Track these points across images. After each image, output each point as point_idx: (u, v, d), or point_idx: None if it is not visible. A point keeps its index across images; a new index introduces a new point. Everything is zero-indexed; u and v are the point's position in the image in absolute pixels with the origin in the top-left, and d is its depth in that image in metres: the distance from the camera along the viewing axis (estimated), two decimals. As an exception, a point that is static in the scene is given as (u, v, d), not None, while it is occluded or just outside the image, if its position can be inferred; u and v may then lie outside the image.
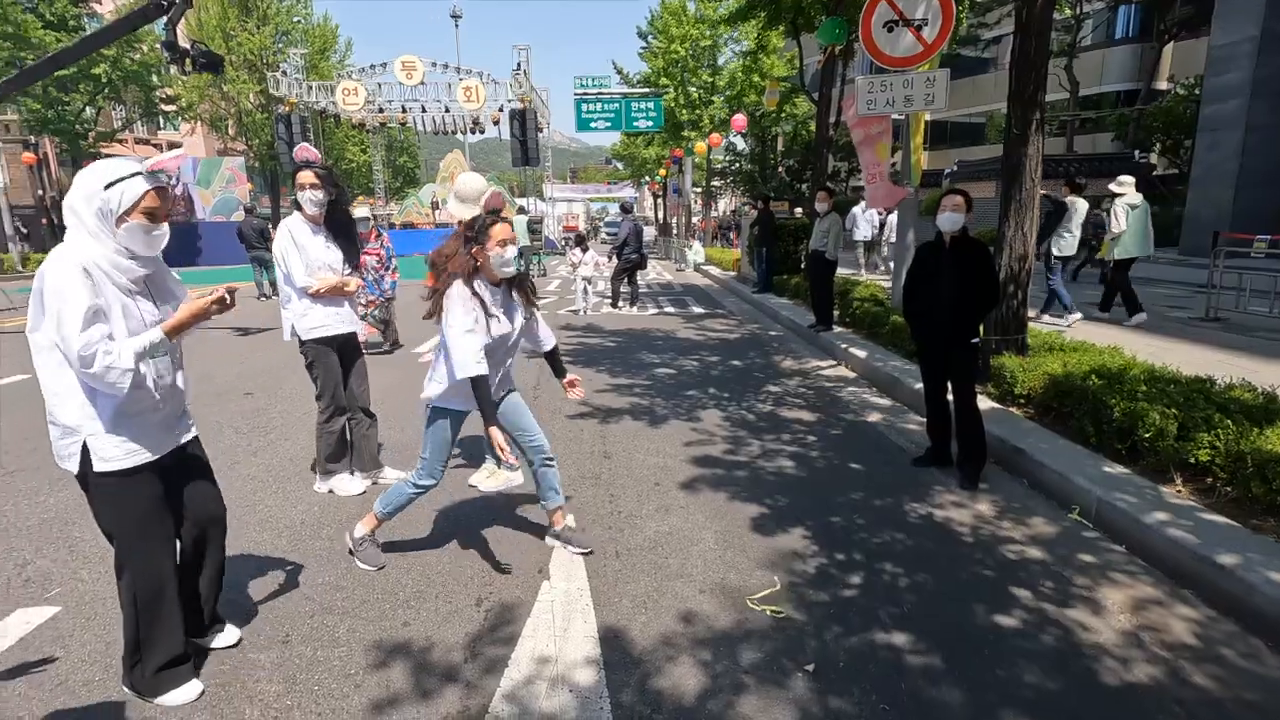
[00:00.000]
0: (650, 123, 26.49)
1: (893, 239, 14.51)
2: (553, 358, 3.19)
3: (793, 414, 5.44)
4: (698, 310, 12.06)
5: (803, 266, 12.23)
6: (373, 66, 28.09)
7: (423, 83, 27.10)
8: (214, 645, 2.43)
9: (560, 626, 2.59)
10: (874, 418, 5.34)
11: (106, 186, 1.95)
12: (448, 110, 27.79)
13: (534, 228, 20.37)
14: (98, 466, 2.03)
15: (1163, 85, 27.99)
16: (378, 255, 7.56)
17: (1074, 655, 2.44)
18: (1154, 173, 25.49)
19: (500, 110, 26.56)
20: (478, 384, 2.68)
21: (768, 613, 2.67)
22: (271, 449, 4.59)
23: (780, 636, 2.54)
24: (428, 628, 2.58)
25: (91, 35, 8.73)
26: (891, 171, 8.80)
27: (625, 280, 12.21)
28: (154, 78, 27.55)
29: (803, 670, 2.35)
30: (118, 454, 2.04)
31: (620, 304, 12.09)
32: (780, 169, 29.40)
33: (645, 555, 3.15)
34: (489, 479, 3.90)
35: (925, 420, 4.41)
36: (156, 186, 2.01)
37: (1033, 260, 5.41)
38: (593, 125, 26.70)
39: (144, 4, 5.92)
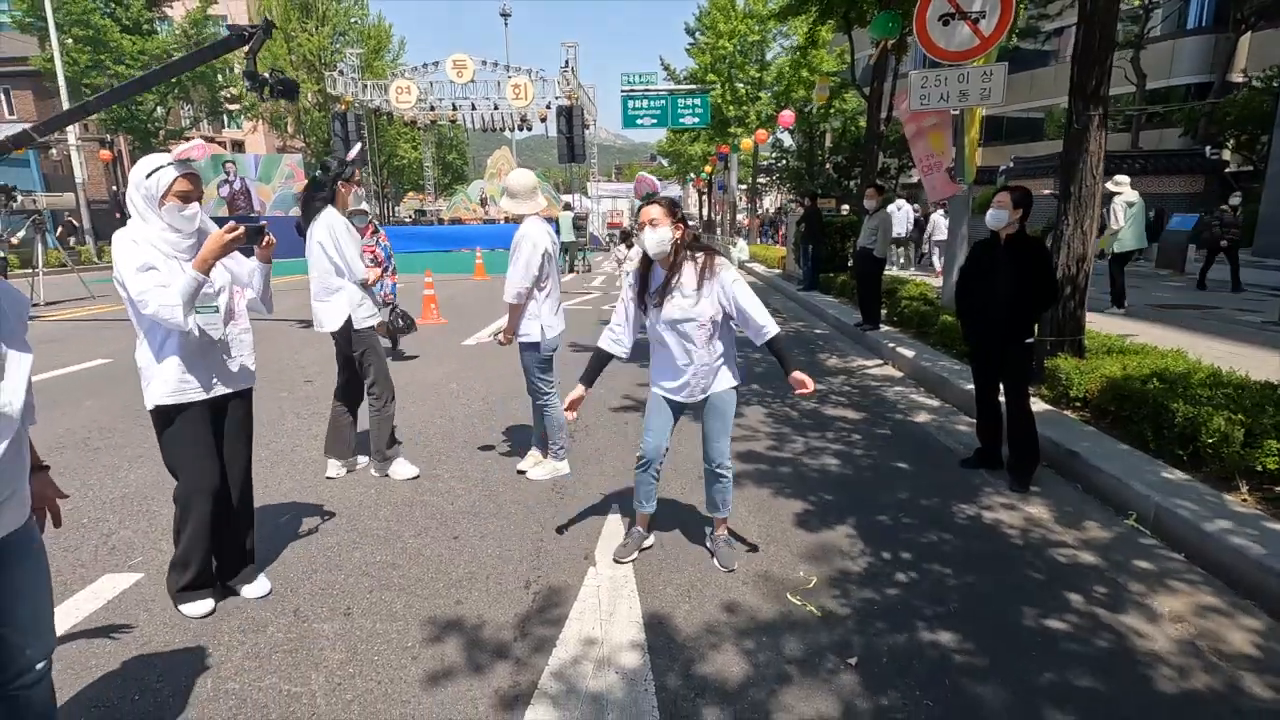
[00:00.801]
0: (696, 119, 26.39)
1: (936, 236, 14.38)
2: (775, 349, 2.97)
3: (837, 412, 5.41)
4: (741, 307, 12.00)
5: (849, 264, 12.07)
6: (425, 65, 28.75)
7: (473, 81, 27.65)
8: (246, 594, 2.74)
9: (606, 611, 2.66)
10: (922, 418, 5.27)
11: (147, 176, 2.35)
12: (496, 108, 28.28)
13: (578, 224, 20.57)
14: (155, 400, 2.46)
15: (1237, 78, 26.56)
16: (373, 254, 6.61)
17: (1126, 660, 2.39)
18: (1226, 170, 24.23)
19: (548, 107, 26.88)
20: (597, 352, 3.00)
21: (809, 609, 2.69)
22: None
23: (824, 630, 2.56)
24: (479, 607, 2.68)
25: (176, 61, 9.34)
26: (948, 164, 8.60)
27: None
28: (219, 78, 28.75)
29: (846, 664, 2.36)
30: (169, 390, 2.45)
31: None
32: (828, 165, 28.95)
33: (689, 547, 3.20)
34: (537, 466, 4.01)
35: (975, 422, 4.34)
36: (185, 173, 2.37)
37: (1092, 260, 5.25)
38: (639, 122, 26.73)
39: (226, 36, 6.39)
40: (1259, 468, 3.38)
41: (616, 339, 2.99)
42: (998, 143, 34.34)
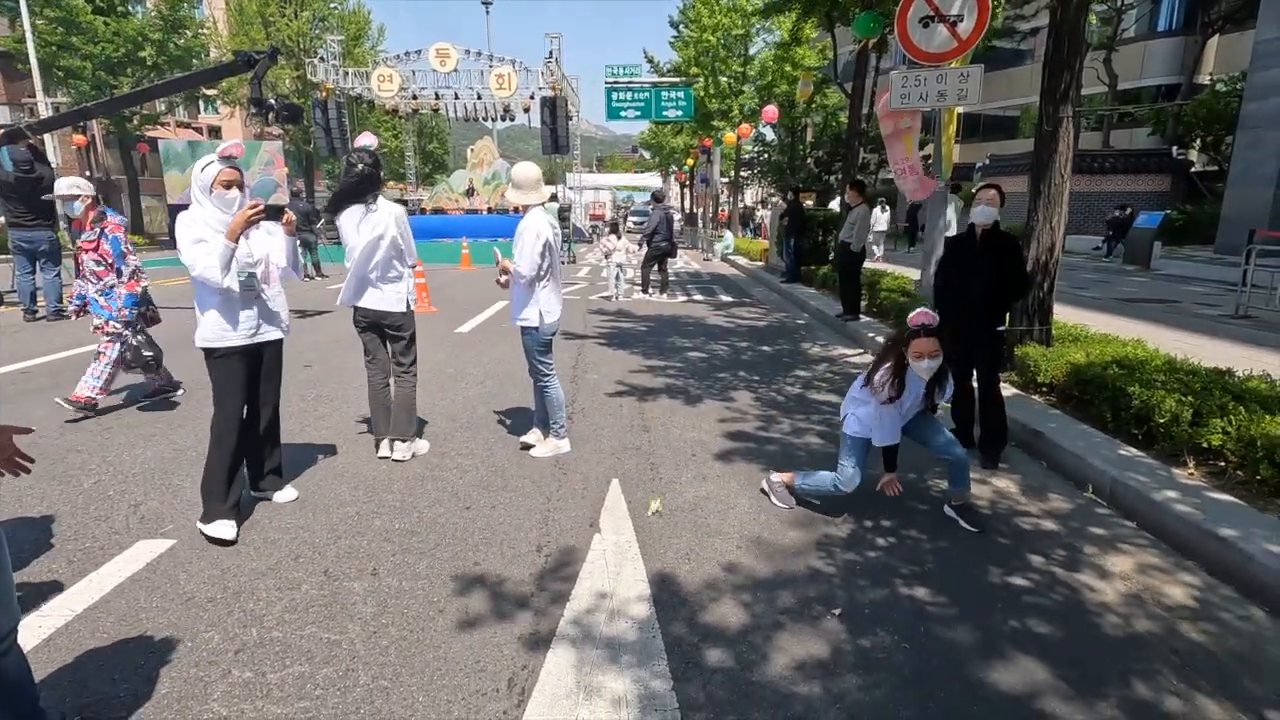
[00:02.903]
0: (680, 112, 26.56)
1: (878, 228, 15.38)
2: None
3: (821, 397, 5.69)
4: (726, 298, 12.29)
5: (830, 257, 12.40)
6: (408, 54, 28.50)
7: (456, 70, 27.46)
8: (276, 499, 3.47)
9: (614, 570, 2.90)
10: (899, 402, 5.57)
11: (201, 170, 3.04)
12: (479, 97, 28.13)
13: (563, 216, 20.65)
14: (200, 343, 3.11)
15: (1205, 80, 27.39)
16: (96, 251, 4.71)
17: (1079, 611, 2.69)
18: (1192, 169, 25.01)
19: (531, 98, 26.83)
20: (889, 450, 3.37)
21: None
22: (336, 414, 4.97)
23: (812, 586, 2.82)
24: (496, 567, 2.90)
25: (179, 78, 9.38)
26: (924, 164, 8.92)
27: (655, 268, 12.44)
28: (194, 62, 28.27)
29: (831, 614, 2.63)
30: (210, 335, 3.10)
31: (650, 291, 12.35)
32: (809, 160, 29.32)
33: (686, 515, 3.45)
34: (541, 444, 4.23)
35: (949, 404, 4.63)
36: (228, 166, 3.05)
37: (1060, 254, 5.58)
38: (623, 114, 26.84)
39: (232, 60, 6.49)
40: (1204, 444, 3.71)
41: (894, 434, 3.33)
42: (975, 139, 35.01)
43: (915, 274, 12.19)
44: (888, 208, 17.51)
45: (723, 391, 5.79)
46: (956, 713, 2.13)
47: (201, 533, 3.08)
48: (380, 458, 4.10)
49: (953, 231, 8.47)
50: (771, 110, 22.12)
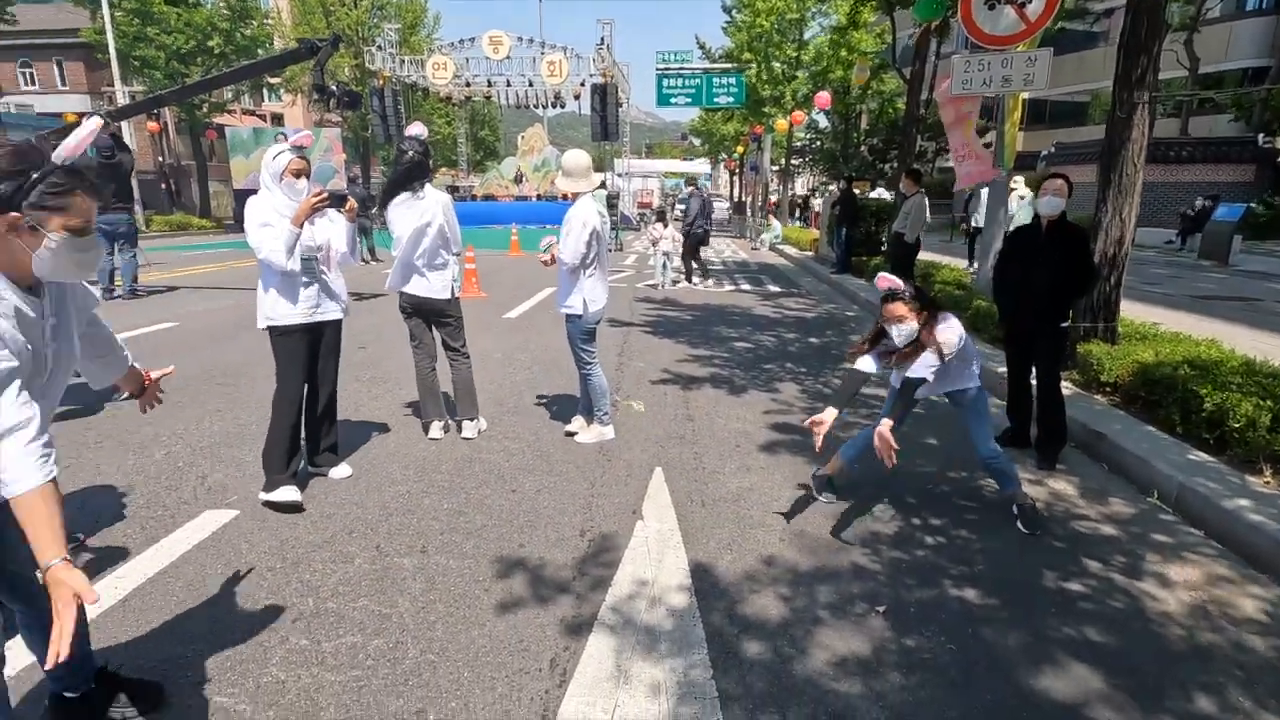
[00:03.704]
0: (731, 98, 26.19)
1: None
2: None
3: (869, 390, 5.55)
4: (774, 289, 12.13)
5: (883, 248, 12.11)
6: (461, 41, 28.85)
7: (508, 57, 27.69)
8: (331, 475, 3.62)
9: (655, 558, 2.91)
10: (952, 398, 5.42)
11: (274, 159, 3.21)
12: (531, 84, 28.30)
13: (611, 203, 20.66)
14: (261, 322, 3.29)
15: (1298, 62, 25.54)
16: None
17: (1139, 619, 2.58)
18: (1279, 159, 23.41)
19: (582, 85, 26.87)
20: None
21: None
22: (388, 395, 5.12)
23: (856, 582, 2.79)
24: (540, 550, 2.96)
25: (246, 65, 9.74)
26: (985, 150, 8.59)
27: (694, 255, 12.38)
28: (259, 51, 29.22)
29: (875, 611, 2.59)
30: (271, 313, 3.26)
31: (695, 279, 12.29)
32: (863, 148, 28.57)
33: (729, 506, 3.44)
34: (585, 431, 4.27)
35: (1005, 403, 4.48)
36: (297, 156, 3.22)
37: (1129, 249, 5.31)
38: (673, 101, 26.63)
39: (296, 48, 6.71)
40: (1283, 451, 3.50)
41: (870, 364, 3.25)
42: (1040, 127, 33.51)
43: (961, 263, 11.84)
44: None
45: (768, 383, 5.74)
46: (1004, 718, 2.08)
47: (265, 502, 3.23)
48: (430, 439, 4.21)
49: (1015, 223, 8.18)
50: (825, 96, 21.64)
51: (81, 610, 1.81)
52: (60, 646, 1.28)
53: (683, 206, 12.68)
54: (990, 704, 2.13)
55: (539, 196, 27.99)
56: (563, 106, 30.07)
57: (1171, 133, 25.70)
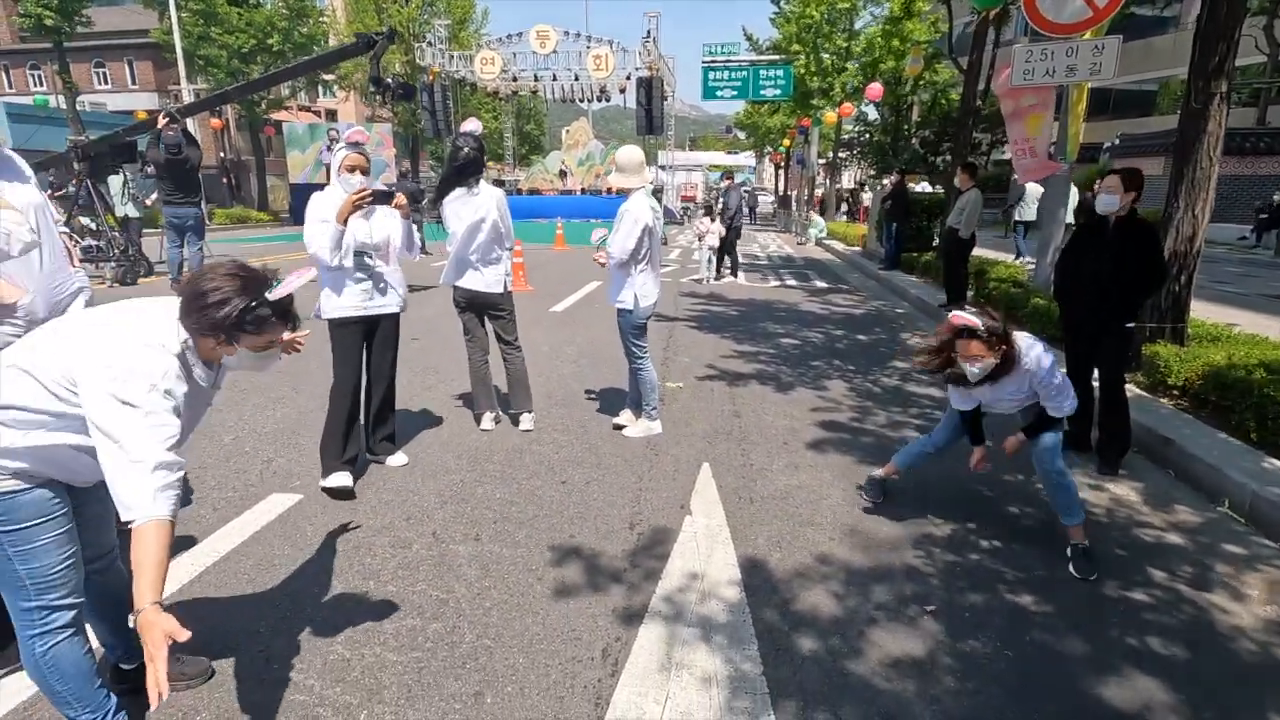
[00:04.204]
0: (778, 91, 25.89)
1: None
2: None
3: (920, 390, 5.47)
4: (820, 284, 11.97)
5: (935, 244, 11.82)
6: (509, 36, 29.16)
7: (555, 51, 27.89)
8: (389, 463, 3.74)
9: (705, 553, 2.93)
10: (1007, 399, 5.27)
11: (336, 153, 3.35)
12: (577, 78, 28.44)
13: (655, 195, 20.63)
14: (321, 314, 3.40)
15: (1392, 46, 23.82)
16: None
17: (1208, 633, 2.49)
18: (1369, 150, 21.95)
19: (628, 78, 26.87)
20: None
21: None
22: (441, 386, 5.25)
23: (909, 584, 2.75)
24: (591, 541, 3.00)
25: (306, 60, 10.04)
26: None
27: (729, 249, 12.28)
28: (314, 48, 30.07)
29: (925, 611, 2.56)
30: (328, 307, 3.40)
31: (727, 273, 12.25)
32: (914, 140, 27.84)
33: (777, 503, 3.43)
34: (633, 425, 4.31)
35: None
36: (355, 152, 3.32)
37: (1201, 245, 5.07)
38: (719, 94, 26.46)
39: (354, 42, 6.91)
40: (1369, 462, 3.31)
41: (965, 402, 3.14)
42: (1103, 117, 32.11)
43: (1008, 257, 11.47)
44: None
45: (816, 380, 5.68)
46: (1064, 727, 2.04)
47: (323, 488, 3.35)
48: (482, 430, 4.31)
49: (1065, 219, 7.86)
50: (877, 88, 21.16)
51: (125, 585, 1.95)
52: (160, 687, 1.34)
53: (723, 200, 12.53)
54: (1050, 713, 2.09)
55: (583, 190, 28.14)
56: (608, 100, 30.12)
57: (1248, 123, 24.34)
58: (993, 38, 12.43)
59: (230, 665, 2.18)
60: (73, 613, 1.69)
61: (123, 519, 1.48)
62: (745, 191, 41.70)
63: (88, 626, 1.84)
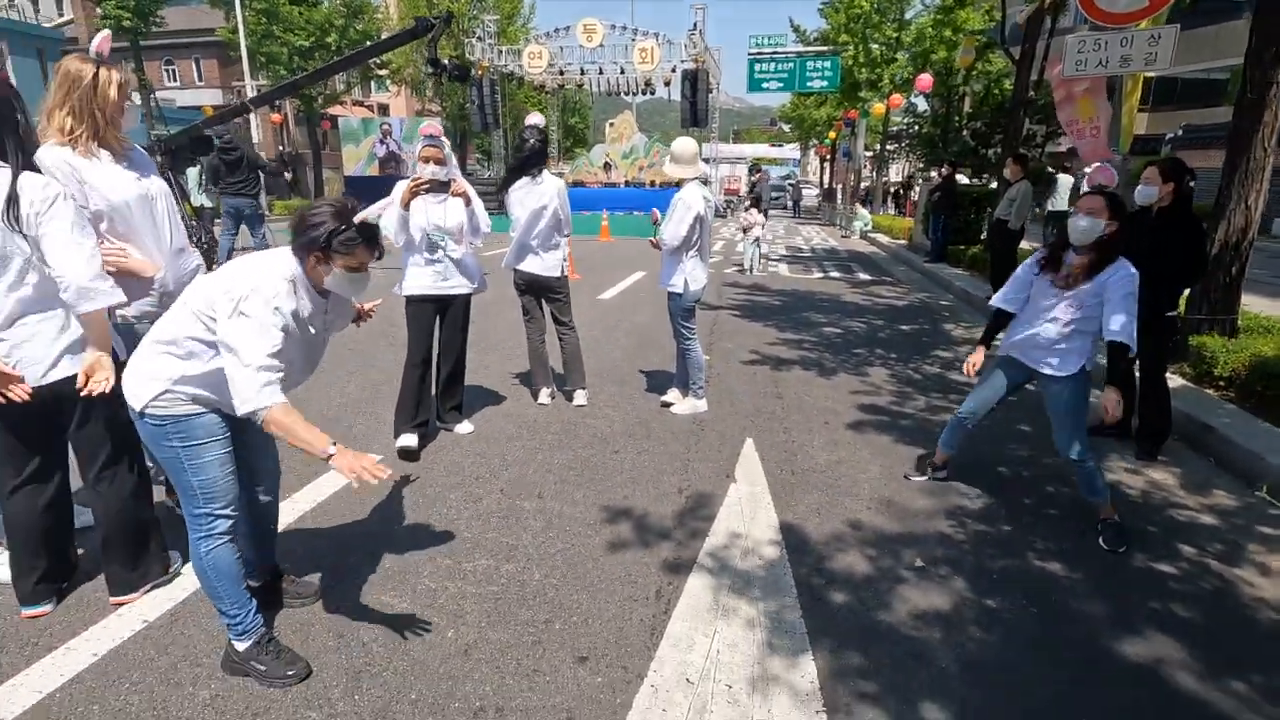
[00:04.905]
0: (825, 83, 25.63)
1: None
2: (1111, 353, 2.99)
3: (962, 378, 5.55)
4: (864, 276, 11.99)
5: (982, 236, 11.72)
6: (556, 30, 29.55)
7: (601, 45, 28.18)
8: (457, 430, 4.06)
9: (748, 516, 3.16)
10: (1048, 388, 5.34)
11: (417, 146, 3.61)
12: (622, 71, 28.69)
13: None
14: (397, 292, 3.75)
15: None
16: None
17: (1230, 600, 2.62)
18: None
19: (673, 71, 26.98)
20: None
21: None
22: (499, 364, 5.58)
23: (940, 549, 2.94)
24: (643, 503, 3.27)
25: (369, 46, 10.48)
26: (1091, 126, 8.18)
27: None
28: (369, 44, 30.98)
29: (960, 574, 2.74)
30: (406, 287, 3.74)
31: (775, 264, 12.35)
32: (965, 132, 27.25)
33: (817, 476, 3.64)
34: (680, 402, 4.56)
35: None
36: (430, 144, 3.58)
37: (1253, 237, 5.05)
38: (765, 86, 26.35)
39: (413, 26, 7.26)
40: None
41: (1007, 299, 3.22)
42: (1168, 107, 30.83)
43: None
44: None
45: (857, 367, 5.83)
46: (1081, 676, 2.21)
47: (397, 449, 3.69)
48: (539, 404, 4.61)
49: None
50: (927, 79, 20.83)
51: (272, 531, 2.32)
52: (372, 469, 1.78)
53: (775, 194, 12.63)
54: (1069, 661, 2.26)
55: (627, 183, 28.37)
56: (652, 93, 30.25)
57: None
58: (1049, 27, 12.20)
59: (334, 589, 2.52)
60: (229, 522, 2.03)
61: (239, 413, 1.83)
62: (790, 185, 41.45)
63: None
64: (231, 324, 1.82)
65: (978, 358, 3.32)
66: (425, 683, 2.08)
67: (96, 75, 2.34)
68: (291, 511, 3.06)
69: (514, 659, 2.19)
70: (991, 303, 3.34)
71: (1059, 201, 12.71)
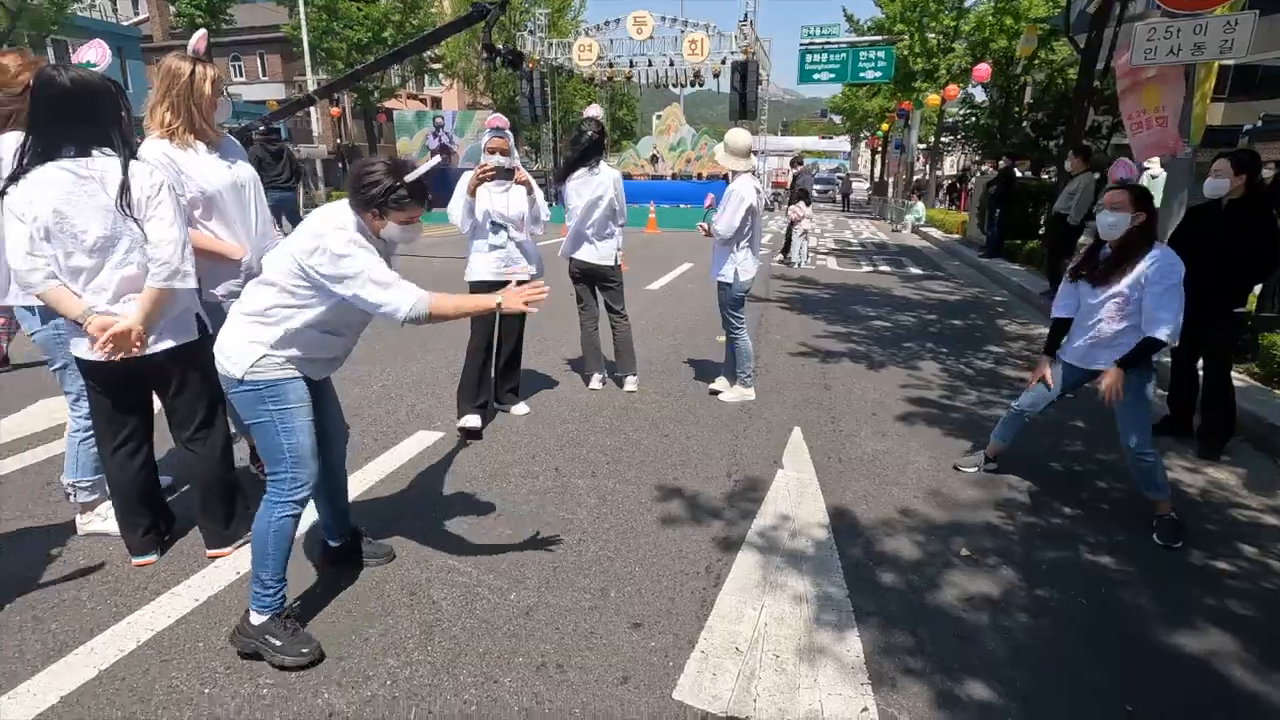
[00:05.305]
0: (879, 73, 25.06)
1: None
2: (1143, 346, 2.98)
3: (1015, 373, 5.50)
4: (915, 271, 11.80)
5: (1040, 231, 11.41)
6: (606, 23, 29.66)
7: (651, 37, 28.18)
8: (513, 411, 4.26)
9: (795, 500, 3.24)
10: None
11: (484, 138, 3.82)
12: (671, 64, 28.63)
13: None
14: (466, 278, 3.95)
15: None
16: None
17: (1292, 599, 2.58)
18: None
19: (722, 62, 26.80)
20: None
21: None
22: (551, 351, 5.76)
23: (988, 538, 2.96)
24: (693, 484, 3.37)
25: (428, 34, 10.73)
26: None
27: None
28: (425, 40, 31.67)
29: (1009, 564, 2.77)
30: (471, 272, 3.94)
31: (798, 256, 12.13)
32: (1025, 124, 26.35)
33: (864, 465, 3.68)
34: (729, 390, 4.64)
35: (1166, 392, 4.32)
36: (496, 136, 3.78)
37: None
38: (816, 77, 25.89)
39: (467, 13, 7.47)
40: None
41: (1062, 307, 3.26)
42: (1245, 97, 29.18)
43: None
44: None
45: (907, 360, 5.80)
46: (1131, 665, 2.23)
47: (458, 428, 3.88)
48: (591, 389, 4.75)
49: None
50: (984, 68, 20.24)
51: (344, 490, 2.52)
52: (535, 297, 2.18)
53: (822, 187, 12.52)
54: (1118, 650, 2.28)
55: (674, 175, 28.36)
56: (701, 85, 30.11)
57: None
58: (1118, 13, 11.73)
59: (405, 552, 2.70)
60: (307, 491, 2.17)
61: (401, 320, 2.02)
62: (839, 178, 40.74)
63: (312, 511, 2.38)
64: (337, 264, 1.98)
65: (1044, 368, 3.32)
66: (491, 638, 2.23)
67: (193, 72, 2.56)
68: (361, 482, 3.27)
69: (572, 622, 2.33)
70: (1052, 315, 3.33)
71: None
